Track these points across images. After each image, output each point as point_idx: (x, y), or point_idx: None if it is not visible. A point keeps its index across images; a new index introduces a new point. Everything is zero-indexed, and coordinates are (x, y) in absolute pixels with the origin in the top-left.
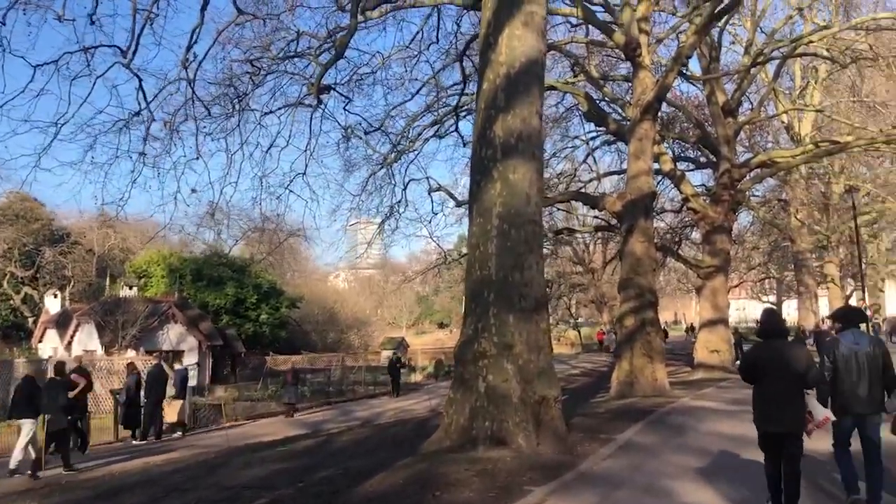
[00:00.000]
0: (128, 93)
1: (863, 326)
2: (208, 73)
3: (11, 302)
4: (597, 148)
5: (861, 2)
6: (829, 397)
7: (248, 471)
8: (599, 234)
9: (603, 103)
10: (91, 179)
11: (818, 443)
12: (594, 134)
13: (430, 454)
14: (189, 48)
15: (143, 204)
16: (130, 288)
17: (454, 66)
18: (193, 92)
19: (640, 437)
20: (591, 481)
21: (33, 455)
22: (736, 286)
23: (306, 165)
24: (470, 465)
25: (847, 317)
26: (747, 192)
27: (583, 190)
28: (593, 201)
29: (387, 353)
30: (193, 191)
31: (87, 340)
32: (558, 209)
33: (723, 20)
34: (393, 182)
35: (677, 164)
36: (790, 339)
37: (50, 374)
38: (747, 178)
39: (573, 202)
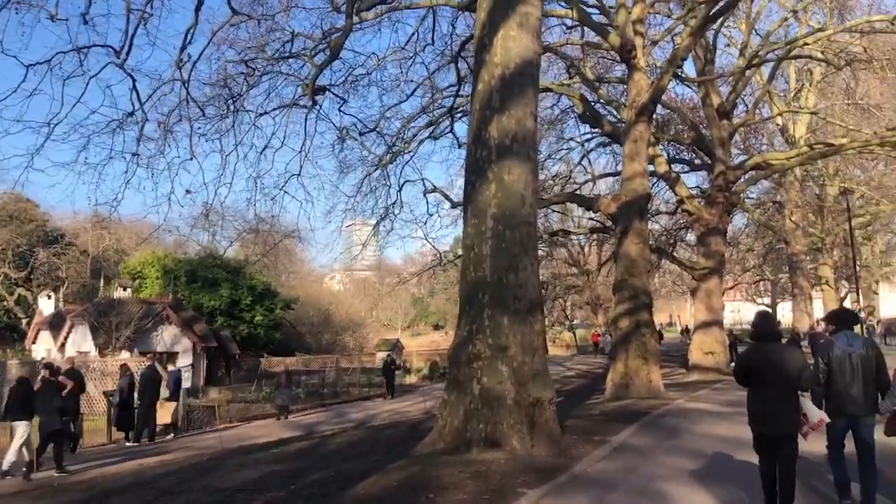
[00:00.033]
0: (121, 93)
1: (856, 328)
2: (203, 73)
3: (5, 303)
4: (592, 150)
5: (855, 4)
6: (823, 399)
7: (240, 473)
8: (594, 235)
9: (598, 105)
10: (85, 180)
11: (812, 444)
12: (589, 136)
13: (424, 456)
14: (183, 48)
15: (138, 205)
16: (125, 289)
17: (449, 67)
18: (188, 92)
19: (634, 440)
20: (585, 484)
21: (26, 457)
22: (731, 288)
23: (301, 166)
24: (464, 468)
25: (840, 319)
26: (742, 195)
27: (578, 192)
28: (588, 203)
29: (381, 355)
30: (188, 192)
31: (80, 342)
32: (553, 211)
33: (718, 22)
34: (388, 183)
35: (672, 166)
36: (784, 341)
37: (40, 375)
38: (742, 180)
39: (568, 204)
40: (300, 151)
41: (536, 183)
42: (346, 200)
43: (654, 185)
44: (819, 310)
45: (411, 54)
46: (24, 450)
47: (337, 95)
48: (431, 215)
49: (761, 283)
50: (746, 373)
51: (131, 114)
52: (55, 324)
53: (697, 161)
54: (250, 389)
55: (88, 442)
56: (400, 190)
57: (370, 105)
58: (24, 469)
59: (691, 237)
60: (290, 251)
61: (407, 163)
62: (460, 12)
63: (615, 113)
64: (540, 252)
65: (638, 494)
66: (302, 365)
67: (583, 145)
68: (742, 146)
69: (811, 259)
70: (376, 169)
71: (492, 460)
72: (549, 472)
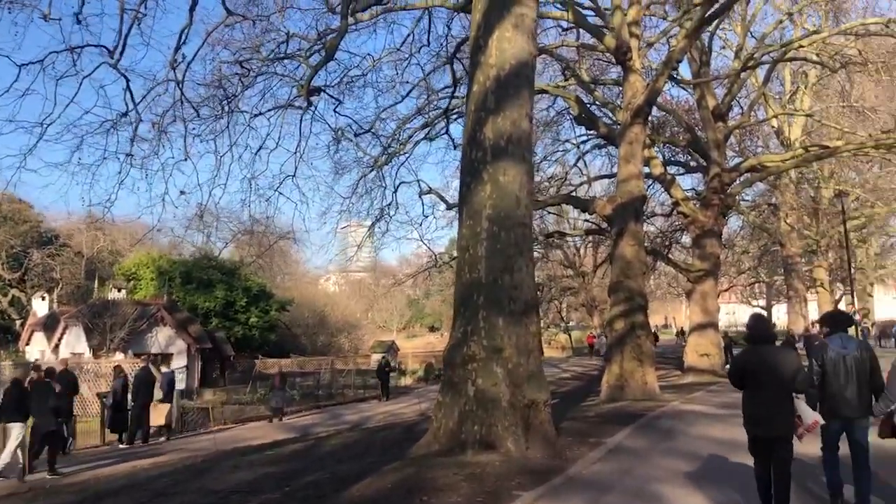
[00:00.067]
0: (115, 93)
1: (851, 330)
2: (197, 74)
3: None
4: (587, 151)
5: (850, 7)
6: (817, 401)
7: (235, 475)
8: (590, 237)
9: (594, 107)
10: (78, 181)
11: (807, 447)
12: (585, 137)
13: (419, 458)
14: (178, 49)
15: (132, 206)
16: (119, 290)
17: (445, 68)
18: (182, 93)
19: (629, 441)
20: (580, 486)
21: (20, 459)
22: (726, 290)
23: (296, 167)
24: (458, 470)
25: (834, 321)
26: (737, 197)
27: (573, 193)
28: (584, 205)
29: (377, 357)
30: (182, 192)
31: (74, 343)
32: (549, 212)
33: (713, 25)
34: (383, 185)
35: (667, 167)
36: (779, 343)
37: (28, 377)
38: (737, 182)
39: (564, 205)
40: (295, 152)
41: (531, 184)
42: (341, 202)
43: (649, 187)
44: (814, 312)
45: (407, 55)
46: (18, 452)
47: (332, 96)
48: (427, 217)
49: (756, 285)
50: (741, 375)
51: (125, 114)
52: (49, 325)
53: (693, 163)
54: (245, 391)
55: (81, 444)
56: (395, 191)
57: (365, 106)
58: (20, 470)
59: (686, 239)
60: (286, 252)
61: (402, 164)
62: (456, 13)
63: (611, 115)
64: (535, 254)
65: (633, 496)
66: (297, 366)
67: (578, 147)
68: (737, 148)
69: (806, 261)
70: (371, 170)
71: (486, 462)
72: (543, 474)
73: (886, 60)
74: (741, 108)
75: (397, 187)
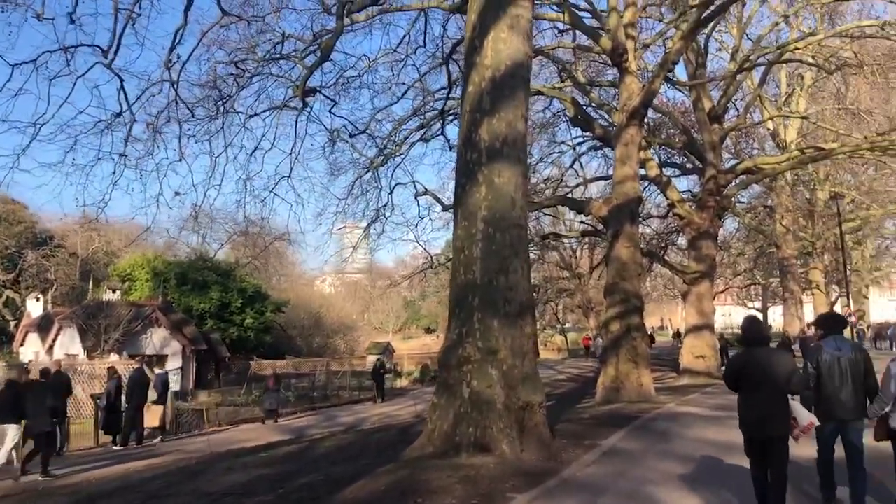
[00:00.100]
0: (109, 93)
1: (846, 332)
2: (192, 74)
3: None
4: (583, 153)
5: (846, 10)
6: (813, 403)
7: (228, 477)
8: (586, 239)
9: (590, 109)
10: (72, 181)
11: (802, 448)
12: (581, 139)
13: (413, 460)
14: (172, 49)
15: (126, 207)
16: (114, 291)
17: (440, 69)
18: (177, 93)
19: (624, 443)
20: (575, 488)
21: (16, 460)
22: (721, 292)
23: (291, 168)
24: (453, 472)
25: (829, 323)
26: (733, 199)
27: (569, 195)
28: (580, 206)
29: (372, 358)
30: (177, 193)
31: (69, 344)
32: (545, 214)
33: (709, 26)
34: (379, 186)
35: (663, 169)
36: (774, 345)
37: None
38: (733, 184)
39: (560, 207)
40: (290, 153)
41: (527, 186)
42: (336, 203)
43: (645, 188)
44: (809, 314)
45: (402, 56)
46: (13, 453)
47: (328, 97)
48: (422, 218)
49: (752, 287)
50: (736, 377)
51: (119, 114)
52: (43, 326)
53: (689, 165)
54: (240, 393)
55: (75, 445)
56: (391, 192)
57: (361, 107)
58: (17, 471)
59: (682, 241)
60: (281, 254)
61: (398, 165)
62: (452, 14)
63: (607, 116)
64: (531, 255)
65: (628, 499)
66: (292, 368)
67: (574, 149)
68: (733, 150)
69: (802, 263)
70: (367, 171)
71: (481, 464)
72: (538, 477)
73: (882, 63)
74: (737, 110)
75: (393, 188)
